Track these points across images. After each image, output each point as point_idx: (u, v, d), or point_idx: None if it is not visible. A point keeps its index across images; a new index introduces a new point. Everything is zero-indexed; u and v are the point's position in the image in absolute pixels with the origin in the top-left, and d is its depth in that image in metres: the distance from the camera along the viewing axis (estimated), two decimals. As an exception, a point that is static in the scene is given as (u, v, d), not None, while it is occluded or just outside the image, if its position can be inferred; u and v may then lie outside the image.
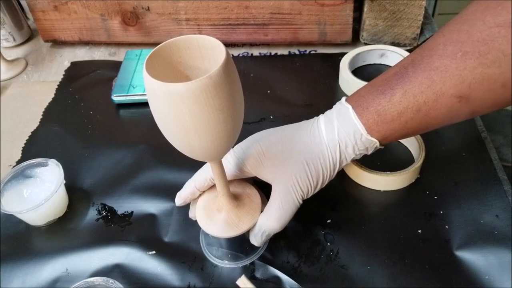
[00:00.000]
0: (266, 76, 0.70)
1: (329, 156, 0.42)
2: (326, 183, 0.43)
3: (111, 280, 0.43)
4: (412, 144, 0.55)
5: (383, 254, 0.45)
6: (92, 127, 0.65)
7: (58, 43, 0.82)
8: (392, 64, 0.68)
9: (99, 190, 0.55)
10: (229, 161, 0.44)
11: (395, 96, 0.39)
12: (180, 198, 0.46)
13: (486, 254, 0.45)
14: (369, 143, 0.42)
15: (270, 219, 0.42)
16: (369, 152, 0.43)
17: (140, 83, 0.68)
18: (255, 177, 0.45)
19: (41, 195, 0.51)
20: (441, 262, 0.45)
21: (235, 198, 0.44)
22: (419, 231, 0.47)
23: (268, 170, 0.43)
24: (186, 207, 0.52)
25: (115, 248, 0.49)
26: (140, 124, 0.64)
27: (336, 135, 0.42)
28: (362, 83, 0.61)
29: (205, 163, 0.46)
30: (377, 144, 0.42)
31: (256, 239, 0.43)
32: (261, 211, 0.43)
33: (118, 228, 0.51)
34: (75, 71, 0.76)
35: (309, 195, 0.43)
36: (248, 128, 0.61)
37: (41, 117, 0.67)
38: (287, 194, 0.41)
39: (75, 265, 0.48)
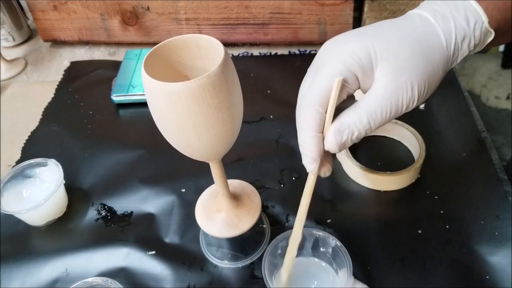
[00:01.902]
0: (266, 76, 0.70)
1: (446, 52, 0.34)
2: (430, 94, 0.36)
3: (110, 280, 0.43)
4: (412, 144, 0.55)
5: (383, 254, 0.45)
6: (91, 127, 0.65)
7: (57, 42, 0.82)
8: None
9: (99, 190, 0.55)
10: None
11: None
12: (312, 160, 0.36)
13: (487, 254, 0.44)
14: (485, 35, 0.35)
15: (359, 110, 0.34)
16: (476, 50, 0.36)
17: (140, 83, 0.68)
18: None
19: (40, 195, 0.51)
20: (441, 262, 0.45)
21: (235, 198, 0.44)
22: (419, 231, 0.47)
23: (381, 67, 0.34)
24: (186, 207, 0.52)
25: (114, 248, 0.48)
26: (139, 124, 0.64)
27: (452, 25, 0.34)
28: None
29: (204, 163, 0.45)
30: (492, 36, 0.35)
31: (334, 138, 0.34)
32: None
33: (117, 228, 0.51)
34: (75, 71, 0.76)
35: (413, 106, 0.35)
36: (248, 127, 0.61)
37: (41, 117, 0.67)
38: (395, 88, 0.33)
39: (74, 265, 0.47)
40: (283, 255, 0.40)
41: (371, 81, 0.35)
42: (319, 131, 0.35)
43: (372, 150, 0.56)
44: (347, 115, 0.34)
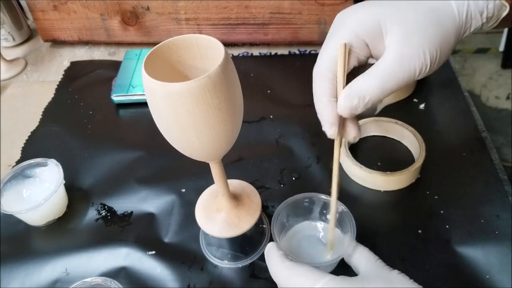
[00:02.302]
0: (266, 76, 0.70)
1: (458, 20, 0.34)
2: (443, 62, 0.36)
3: (110, 280, 0.43)
4: (412, 144, 0.55)
5: (383, 254, 0.45)
6: (91, 127, 0.65)
7: (57, 42, 0.82)
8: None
9: (99, 190, 0.55)
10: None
11: None
12: (330, 124, 0.36)
13: (487, 254, 0.44)
14: (499, 8, 0.35)
15: (371, 76, 0.34)
16: (489, 25, 0.36)
17: (140, 83, 0.67)
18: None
19: (40, 195, 0.51)
20: (441, 262, 0.45)
21: (235, 198, 0.44)
22: (419, 231, 0.47)
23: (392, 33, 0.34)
24: (186, 207, 0.52)
25: (114, 248, 0.48)
26: (139, 124, 0.64)
27: None
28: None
29: (204, 163, 0.45)
30: (507, 11, 0.35)
31: (345, 102, 0.34)
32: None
33: (117, 228, 0.51)
34: (75, 71, 0.76)
35: (426, 71, 0.35)
36: (248, 127, 0.61)
37: (41, 117, 0.67)
38: (407, 54, 0.33)
39: (74, 265, 0.47)
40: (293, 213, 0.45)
41: (383, 47, 0.35)
42: (332, 96, 0.35)
43: (372, 150, 0.56)
44: (359, 80, 0.34)
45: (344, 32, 0.35)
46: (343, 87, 0.35)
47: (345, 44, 0.34)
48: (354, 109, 0.35)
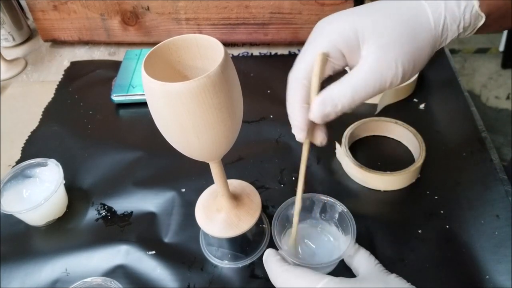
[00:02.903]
0: (266, 76, 0.70)
1: (434, 32, 0.35)
2: (416, 72, 0.37)
3: (110, 280, 0.43)
4: (412, 144, 0.55)
5: (383, 254, 0.45)
6: (91, 127, 0.65)
7: (57, 42, 0.82)
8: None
9: (99, 190, 0.55)
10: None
11: None
12: (300, 129, 0.37)
13: (487, 254, 0.44)
14: (475, 18, 0.35)
15: (346, 85, 0.35)
16: (466, 34, 0.37)
17: (140, 83, 0.68)
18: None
19: (40, 195, 0.51)
20: (441, 262, 0.45)
21: (235, 198, 0.44)
22: (419, 231, 0.47)
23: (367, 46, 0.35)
24: (186, 207, 0.52)
25: (114, 248, 0.48)
26: (139, 124, 0.64)
27: (442, 6, 0.35)
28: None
29: (204, 163, 0.45)
30: (483, 20, 0.36)
31: (318, 109, 0.35)
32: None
33: (117, 228, 0.51)
34: (75, 71, 0.76)
35: (397, 83, 0.36)
36: (248, 127, 0.61)
37: (41, 117, 0.67)
38: (380, 65, 0.34)
39: (74, 265, 0.47)
40: (292, 218, 0.44)
41: (358, 57, 0.36)
42: (305, 102, 0.36)
43: (372, 150, 0.56)
44: (332, 88, 0.35)
45: (322, 41, 0.36)
46: (317, 94, 0.36)
47: (323, 54, 0.35)
48: (326, 116, 0.35)
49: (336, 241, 0.45)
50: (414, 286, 0.37)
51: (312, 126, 0.37)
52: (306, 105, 0.36)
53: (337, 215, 0.45)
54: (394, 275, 0.38)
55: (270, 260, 0.39)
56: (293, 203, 0.45)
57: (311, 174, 0.54)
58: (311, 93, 0.36)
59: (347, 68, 0.37)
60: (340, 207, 0.44)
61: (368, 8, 0.37)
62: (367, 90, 0.35)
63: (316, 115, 0.35)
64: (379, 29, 0.35)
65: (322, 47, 0.36)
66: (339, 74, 0.37)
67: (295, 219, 0.42)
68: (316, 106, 0.35)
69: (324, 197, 0.45)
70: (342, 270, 0.43)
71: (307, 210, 0.46)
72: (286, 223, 0.46)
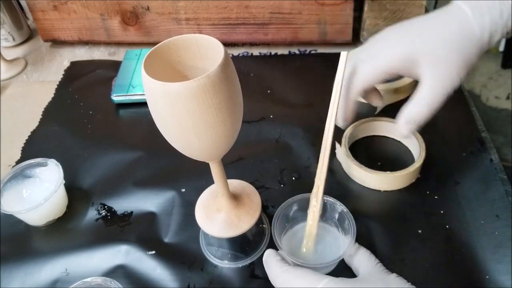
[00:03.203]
0: (266, 76, 0.70)
1: (481, 42, 0.40)
2: (467, 76, 0.43)
3: (110, 280, 0.43)
4: (412, 144, 0.55)
5: (383, 254, 0.45)
6: (91, 127, 0.65)
7: (57, 42, 0.82)
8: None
9: (99, 190, 0.55)
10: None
11: None
12: (345, 120, 0.48)
13: (487, 254, 0.44)
14: None
15: (420, 104, 0.42)
16: (507, 36, 0.42)
17: (140, 83, 0.68)
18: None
19: (40, 195, 0.51)
20: (441, 262, 0.45)
21: (235, 198, 0.44)
22: (419, 231, 0.47)
23: (423, 64, 0.42)
24: (186, 207, 0.52)
25: (114, 248, 0.48)
26: (139, 124, 0.64)
27: (487, 19, 0.40)
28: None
29: (204, 163, 0.45)
30: None
31: (404, 128, 0.43)
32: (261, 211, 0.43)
33: (117, 228, 0.51)
34: (75, 71, 0.76)
35: (457, 88, 0.42)
36: (248, 127, 0.61)
37: (41, 117, 0.67)
38: (440, 81, 0.41)
39: (74, 265, 0.47)
40: (293, 214, 0.46)
41: (414, 74, 0.43)
42: (357, 99, 0.47)
43: (372, 150, 0.56)
44: (411, 110, 0.43)
45: (381, 63, 0.43)
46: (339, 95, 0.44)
47: (346, 54, 0.43)
48: (412, 131, 0.44)
49: (336, 241, 0.45)
50: (414, 286, 0.37)
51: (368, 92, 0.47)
52: (357, 101, 0.46)
53: (337, 215, 0.45)
54: (394, 274, 0.38)
55: (270, 261, 0.40)
56: (293, 203, 0.45)
57: (311, 174, 0.54)
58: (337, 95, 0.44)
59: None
60: (340, 207, 0.44)
61: (419, 26, 0.43)
62: (437, 102, 0.42)
63: (405, 132, 0.44)
64: (431, 48, 0.41)
65: (378, 74, 0.44)
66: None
67: (312, 218, 0.44)
68: (404, 127, 0.43)
69: (324, 197, 0.45)
70: (343, 270, 0.43)
71: (306, 210, 0.46)
72: (286, 223, 0.46)
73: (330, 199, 0.45)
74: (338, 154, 0.55)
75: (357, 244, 0.42)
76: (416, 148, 0.53)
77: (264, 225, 0.49)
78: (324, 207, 0.46)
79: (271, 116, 0.63)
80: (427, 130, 0.56)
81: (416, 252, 0.46)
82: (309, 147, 0.57)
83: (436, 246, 0.46)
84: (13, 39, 0.83)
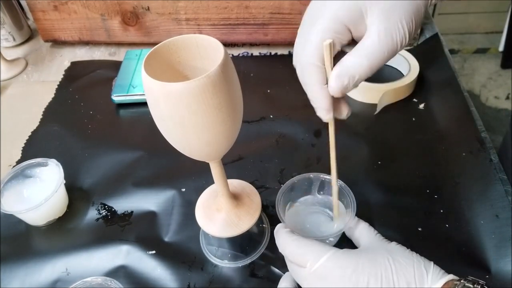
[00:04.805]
0: (266, 76, 0.70)
1: None
2: (416, 30, 0.37)
3: (110, 280, 0.43)
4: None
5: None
6: (92, 127, 0.65)
7: (58, 43, 0.82)
8: (391, 64, 0.68)
9: (99, 190, 0.55)
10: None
11: None
12: (326, 111, 0.38)
13: (486, 254, 0.44)
14: None
15: (359, 55, 0.35)
16: None
17: (140, 83, 0.68)
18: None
19: (41, 195, 0.51)
20: (441, 261, 0.45)
21: (235, 198, 0.44)
22: (419, 229, 0.47)
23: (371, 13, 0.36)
24: (186, 207, 0.52)
25: (115, 248, 0.48)
26: (139, 124, 0.64)
27: None
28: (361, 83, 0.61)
29: (204, 163, 0.45)
30: None
31: (336, 83, 0.36)
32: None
33: (118, 228, 0.51)
34: (75, 71, 0.76)
35: (405, 43, 0.36)
36: (248, 126, 0.61)
37: (41, 117, 0.67)
38: (387, 30, 0.35)
39: (75, 265, 0.48)
40: (295, 193, 0.47)
41: (363, 28, 0.36)
42: (324, 83, 0.37)
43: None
44: (347, 60, 0.36)
45: (326, 18, 0.36)
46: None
47: (330, 44, 0.35)
48: (345, 89, 0.36)
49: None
50: (414, 252, 0.38)
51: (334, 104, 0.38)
52: (326, 85, 0.37)
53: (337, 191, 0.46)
54: (394, 243, 0.39)
55: (281, 232, 0.40)
56: (292, 184, 0.47)
57: (311, 174, 0.54)
58: (327, 72, 0.36)
59: (347, 49, 0.38)
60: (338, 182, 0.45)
61: None
62: (381, 56, 0.35)
63: (335, 89, 0.36)
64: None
65: (326, 24, 0.36)
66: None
67: (335, 200, 0.43)
68: (334, 80, 0.35)
69: (321, 175, 0.46)
70: (345, 247, 0.43)
71: (305, 189, 0.47)
72: (289, 201, 0.47)
73: (327, 177, 0.46)
74: None
75: (357, 218, 0.44)
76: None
77: (264, 225, 0.49)
78: (322, 185, 0.47)
79: (271, 116, 0.63)
80: (427, 130, 0.56)
81: (415, 251, 0.45)
82: (309, 147, 0.57)
83: (436, 245, 0.46)
84: (14, 39, 0.83)
